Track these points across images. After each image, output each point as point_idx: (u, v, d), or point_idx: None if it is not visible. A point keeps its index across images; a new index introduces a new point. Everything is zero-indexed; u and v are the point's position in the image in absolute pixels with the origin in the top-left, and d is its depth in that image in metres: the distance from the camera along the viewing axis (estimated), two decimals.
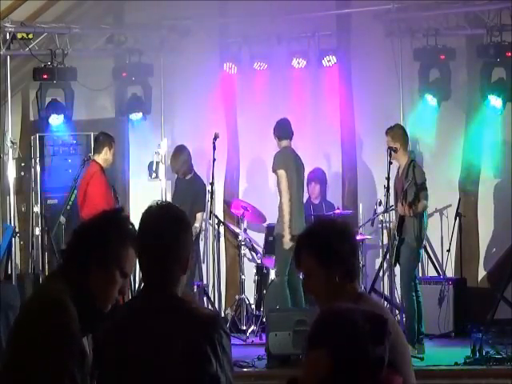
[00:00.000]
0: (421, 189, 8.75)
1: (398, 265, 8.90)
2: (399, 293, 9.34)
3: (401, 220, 8.72)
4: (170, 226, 3.14)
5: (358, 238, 9.85)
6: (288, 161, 9.22)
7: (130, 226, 3.21)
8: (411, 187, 8.66)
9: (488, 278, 10.59)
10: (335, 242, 3.34)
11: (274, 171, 9.29)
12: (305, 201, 10.66)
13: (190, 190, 10.19)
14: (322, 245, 3.35)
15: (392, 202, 9.09)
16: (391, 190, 8.96)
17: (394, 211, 9.30)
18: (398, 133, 8.95)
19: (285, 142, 9.36)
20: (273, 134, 9.45)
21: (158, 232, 3.13)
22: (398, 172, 9.01)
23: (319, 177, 10.60)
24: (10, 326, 6.99)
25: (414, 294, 8.76)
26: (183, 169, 10.24)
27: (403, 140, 8.92)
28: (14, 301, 8.78)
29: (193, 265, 9.48)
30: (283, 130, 9.39)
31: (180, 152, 10.27)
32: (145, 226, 3.19)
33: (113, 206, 9.27)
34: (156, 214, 3.20)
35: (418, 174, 8.79)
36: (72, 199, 9.37)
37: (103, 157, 9.72)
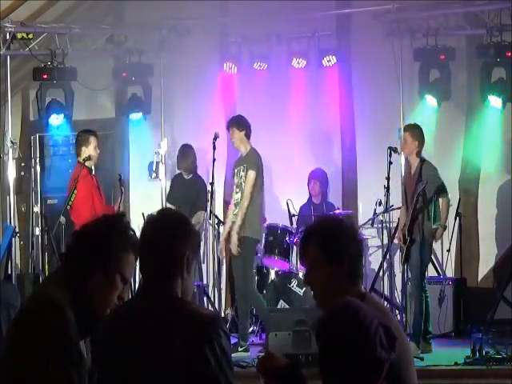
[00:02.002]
0: (442, 188, 8.78)
1: (405, 264, 8.91)
2: (399, 293, 9.33)
3: (412, 220, 8.69)
4: (173, 228, 3.16)
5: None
6: (260, 163, 9.00)
7: (131, 232, 3.22)
8: (431, 189, 8.68)
9: (488, 278, 10.58)
10: (344, 238, 3.33)
11: (247, 169, 8.95)
12: (306, 201, 10.67)
13: (192, 189, 10.20)
14: (332, 238, 3.33)
15: (391, 202, 9.09)
16: (399, 189, 8.97)
17: (394, 211, 9.31)
18: (418, 131, 8.92)
19: (249, 143, 9.08)
20: (238, 127, 9.01)
21: (161, 233, 3.15)
22: (408, 171, 8.96)
23: (319, 175, 10.59)
24: None
25: (423, 293, 8.77)
26: (191, 167, 10.22)
27: (421, 139, 8.91)
28: (15, 300, 8.79)
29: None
30: (249, 128, 9.08)
31: (189, 150, 10.28)
32: (148, 226, 3.21)
33: (100, 210, 9.18)
34: (160, 216, 3.24)
35: (434, 175, 8.81)
36: (72, 199, 9.36)
37: (84, 156, 9.39)
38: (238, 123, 9.05)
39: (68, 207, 9.26)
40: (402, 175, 9.09)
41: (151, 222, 3.22)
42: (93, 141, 9.48)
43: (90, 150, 9.42)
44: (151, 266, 3.14)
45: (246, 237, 8.90)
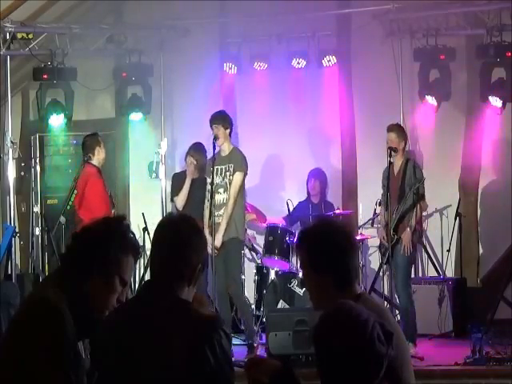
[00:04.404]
0: (422, 191, 8.77)
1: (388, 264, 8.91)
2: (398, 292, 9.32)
3: (400, 219, 8.70)
4: (191, 238, 3.17)
5: (358, 238, 9.85)
6: (247, 164, 8.88)
7: (131, 235, 3.22)
8: (409, 189, 8.68)
9: (488, 278, 10.58)
10: (330, 251, 3.31)
11: (234, 170, 8.79)
12: (303, 199, 10.66)
13: (201, 188, 9.72)
14: (317, 251, 3.34)
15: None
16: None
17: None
18: (401, 130, 8.96)
19: (230, 140, 8.94)
20: (225, 124, 8.81)
21: (179, 241, 3.15)
22: (391, 172, 8.91)
23: (319, 174, 10.58)
24: None
25: (411, 291, 8.79)
26: (204, 167, 9.67)
27: (406, 138, 8.94)
28: (15, 299, 8.79)
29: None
30: (233, 125, 8.93)
31: (203, 148, 9.81)
32: (162, 228, 3.23)
33: (110, 209, 9.30)
34: (178, 223, 3.23)
35: (420, 174, 8.80)
36: (72, 199, 9.36)
37: (97, 157, 9.52)
38: (224, 120, 8.90)
39: (68, 207, 9.27)
40: (383, 175, 8.99)
41: (169, 226, 3.22)
42: (102, 141, 9.63)
43: (102, 150, 9.55)
44: (163, 270, 3.14)
45: (236, 238, 8.83)
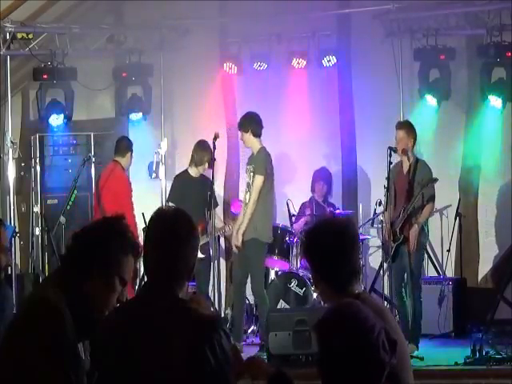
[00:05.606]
0: (433, 197, 8.75)
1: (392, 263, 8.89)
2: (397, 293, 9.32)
3: (407, 219, 8.67)
4: (188, 236, 3.14)
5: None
6: (269, 165, 8.90)
7: (130, 235, 3.21)
8: (420, 188, 8.65)
9: (488, 278, 10.59)
10: (324, 249, 3.34)
11: (254, 173, 8.85)
12: (308, 199, 10.66)
13: (201, 189, 9.47)
14: (309, 258, 3.42)
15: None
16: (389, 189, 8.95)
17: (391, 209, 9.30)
18: (412, 128, 8.88)
19: (259, 141, 8.95)
20: (243, 128, 8.90)
21: (172, 233, 3.12)
22: (399, 169, 8.90)
23: (326, 176, 10.59)
24: None
25: (420, 293, 8.77)
26: (208, 163, 9.56)
27: (415, 136, 8.89)
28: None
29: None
30: (259, 126, 8.93)
31: (207, 145, 9.61)
32: (157, 224, 3.18)
33: (133, 204, 9.68)
34: (169, 216, 3.20)
35: (430, 175, 8.78)
36: (72, 199, 9.36)
37: (126, 161, 9.98)
38: (242, 125, 8.98)
39: (68, 207, 9.28)
40: (390, 173, 8.94)
41: (165, 223, 3.17)
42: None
43: (131, 156, 10.10)
44: (162, 270, 3.12)
45: (254, 239, 8.85)
